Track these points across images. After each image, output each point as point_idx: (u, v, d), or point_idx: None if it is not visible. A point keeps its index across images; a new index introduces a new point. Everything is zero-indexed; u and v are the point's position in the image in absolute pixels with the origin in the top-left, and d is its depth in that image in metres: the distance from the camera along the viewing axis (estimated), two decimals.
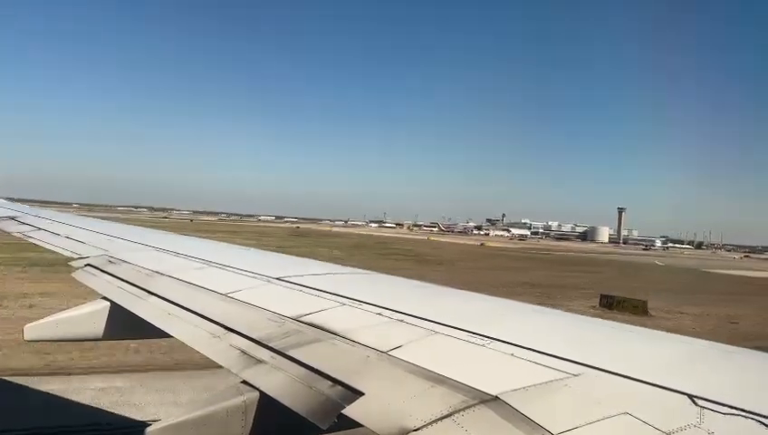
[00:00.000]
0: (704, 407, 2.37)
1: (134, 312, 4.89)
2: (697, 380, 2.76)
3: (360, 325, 3.79)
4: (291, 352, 3.43)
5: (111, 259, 6.76)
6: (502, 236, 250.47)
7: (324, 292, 4.73)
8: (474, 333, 3.47)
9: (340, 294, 4.61)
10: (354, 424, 2.68)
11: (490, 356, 3.14)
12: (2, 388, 17.07)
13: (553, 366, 2.89)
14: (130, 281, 5.69)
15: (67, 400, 16.39)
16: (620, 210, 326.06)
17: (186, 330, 4.27)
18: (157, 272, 5.89)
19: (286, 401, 2.95)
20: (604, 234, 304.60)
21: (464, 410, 2.51)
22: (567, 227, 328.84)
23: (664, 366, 3.04)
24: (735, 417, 2.29)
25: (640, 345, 3.61)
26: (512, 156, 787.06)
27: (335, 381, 2.99)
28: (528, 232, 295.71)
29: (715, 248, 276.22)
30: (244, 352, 3.63)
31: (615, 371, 2.80)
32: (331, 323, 3.84)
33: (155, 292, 5.20)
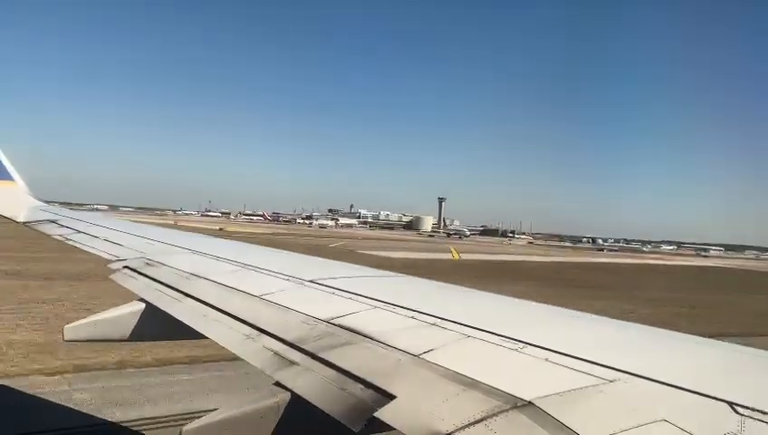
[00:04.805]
0: (745, 415, 2.30)
1: (170, 313, 5.00)
2: (738, 387, 2.68)
3: (393, 328, 3.79)
4: (323, 355, 3.45)
5: (148, 262, 6.92)
6: (326, 224, 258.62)
7: (357, 295, 4.75)
8: (507, 338, 3.43)
9: (373, 297, 4.63)
10: (386, 427, 2.68)
11: (524, 361, 3.11)
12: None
13: (589, 372, 2.84)
14: (167, 283, 5.81)
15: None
16: (441, 200, 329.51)
17: (220, 331, 4.34)
18: (192, 274, 6.00)
19: (318, 403, 2.97)
20: (428, 223, 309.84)
21: (497, 415, 2.48)
22: (394, 217, 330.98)
23: (703, 372, 2.97)
24: None
25: (678, 351, 3.53)
26: (368, 150, 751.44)
27: (367, 384, 3.00)
28: (356, 221, 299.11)
29: (520, 237, 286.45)
30: (277, 353, 3.67)
31: (652, 377, 2.73)
32: (363, 326, 3.85)
33: (190, 293, 5.30)
